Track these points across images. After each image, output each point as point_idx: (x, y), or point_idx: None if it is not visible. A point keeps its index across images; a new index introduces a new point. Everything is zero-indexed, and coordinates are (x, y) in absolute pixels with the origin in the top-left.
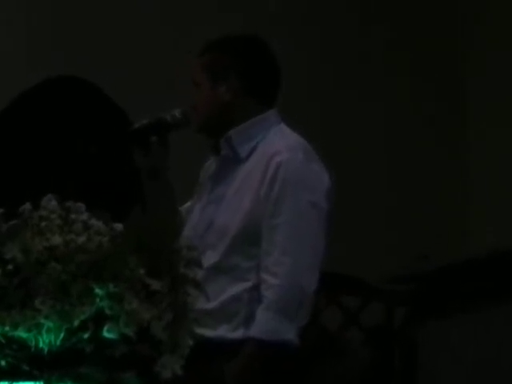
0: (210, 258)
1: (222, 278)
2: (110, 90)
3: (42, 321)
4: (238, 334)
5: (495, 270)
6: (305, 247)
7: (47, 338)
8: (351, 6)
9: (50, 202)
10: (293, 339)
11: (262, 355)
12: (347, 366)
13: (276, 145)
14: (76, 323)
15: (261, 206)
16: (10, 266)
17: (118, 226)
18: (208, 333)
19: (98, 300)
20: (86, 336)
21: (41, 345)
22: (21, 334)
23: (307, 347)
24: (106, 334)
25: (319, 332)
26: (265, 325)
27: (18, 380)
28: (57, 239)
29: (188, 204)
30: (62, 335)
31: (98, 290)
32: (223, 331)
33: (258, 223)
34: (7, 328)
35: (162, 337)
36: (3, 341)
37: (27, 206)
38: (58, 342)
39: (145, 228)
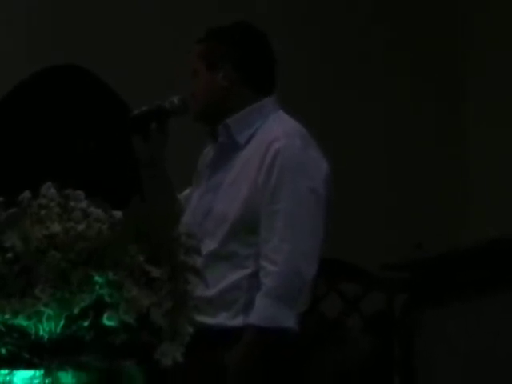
0: (208, 245)
1: (220, 265)
2: (114, 87)
3: (42, 309)
4: (238, 321)
5: (492, 260)
6: (304, 234)
7: (47, 326)
8: (351, 6)
9: (49, 190)
10: (292, 326)
11: (261, 342)
12: (347, 353)
13: (274, 131)
14: (76, 311)
15: (259, 193)
16: (9, 254)
17: (118, 214)
18: (208, 320)
19: (97, 287)
20: (85, 324)
21: (41, 332)
22: (21, 321)
23: (307, 335)
24: (106, 321)
25: (319, 319)
26: (263, 312)
27: (18, 368)
28: (56, 227)
29: (187, 191)
30: (61, 323)
31: (97, 278)
32: (223, 319)
33: (255, 211)
34: (7, 316)
35: (162, 324)
36: (3, 329)
37: (26, 194)
38: (58, 330)
39: (144, 215)
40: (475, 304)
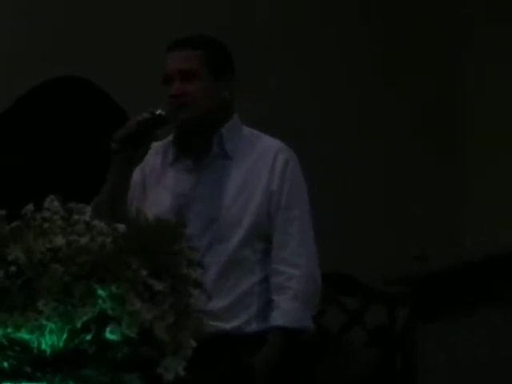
0: (219, 252)
1: (233, 273)
2: (112, 91)
3: (45, 322)
4: (252, 327)
5: (493, 273)
6: (313, 240)
7: (50, 340)
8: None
9: (53, 203)
10: (312, 327)
11: (290, 343)
12: (349, 366)
13: (273, 143)
14: (78, 324)
15: (271, 199)
16: (12, 268)
17: (121, 227)
18: (224, 326)
19: (100, 301)
20: (88, 337)
21: (43, 346)
22: (23, 335)
23: (310, 348)
24: (109, 335)
25: (321, 333)
26: (293, 314)
27: (20, 382)
28: (59, 240)
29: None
30: (64, 337)
31: (100, 291)
32: (238, 324)
33: (267, 217)
34: (10, 329)
35: (165, 338)
36: (5, 342)
37: (29, 207)
38: (61, 344)
39: (146, 228)
40: (477, 317)
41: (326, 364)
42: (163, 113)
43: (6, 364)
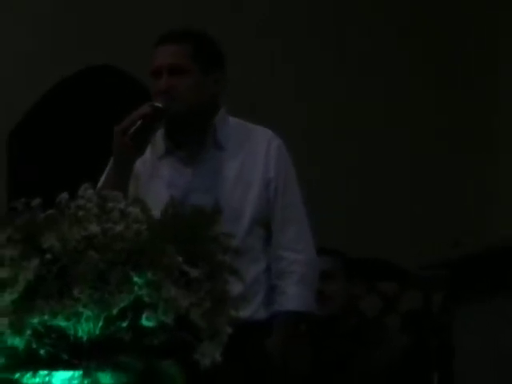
0: None
1: (240, 262)
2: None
3: (81, 309)
4: (261, 314)
5: None
6: (308, 224)
7: (86, 327)
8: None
9: (87, 191)
10: (316, 309)
11: (300, 325)
12: (386, 351)
13: (263, 131)
14: (114, 311)
15: (269, 186)
16: (48, 256)
17: (156, 214)
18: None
19: (136, 288)
20: (124, 324)
21: (80, 333)
22: (60, 322)
23: (347, 333)
24: (145, 322)
25: (358, 318)
26: (301, 298)
27: (57, 369)
28: (94, 228)
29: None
30: (100, 324)
31: (136, 278)
32: (248, 312)
33: (266, 203)
34: (46, 317)
35: (201, 324)
36: (42, 330)
37: (64, 195)
38: (97, 331)
39: (182, 215)
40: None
41: (361, 349)
42: (161, 106)
43: (42, 351)
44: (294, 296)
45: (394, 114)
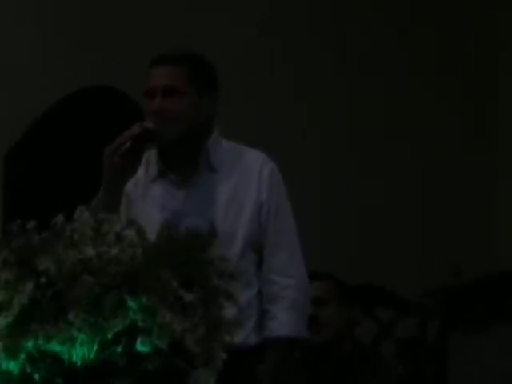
0: None
1: (234, 286)
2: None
3: (76, 334)
4: (252, 339)
5: None
6: (300, 248)
7: (80, 351)
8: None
9: (83, 214)
10: (308, 335)
11: (293, 351)
12: (381, 379)
13: (256, 154)
14: (109, 336)
15: (261, 210)
16: (43, 279)
17: (151, 238)
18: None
19: (131, 313)
20: (119, 349)
21: (74, 358)
22: (54, 347)
23: (342, 360)
24: (139, 347)
25: (353, 345)
26: (293, 324)
27: None
28: (90, 251)
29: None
30: (95, 348)
31: (131, 303)
32: (240, 337)
33: (258, 227)
34: (40, 341)
35: (195, 349)
36: (36, 354)
37: (60, 218)
38: (92, 355)
39: (177, 239)
40: (510, 329)
41: (358, 376)
42: (152, 127)
43: (37, 376)
44: (285, 322)
45: (394, 114)
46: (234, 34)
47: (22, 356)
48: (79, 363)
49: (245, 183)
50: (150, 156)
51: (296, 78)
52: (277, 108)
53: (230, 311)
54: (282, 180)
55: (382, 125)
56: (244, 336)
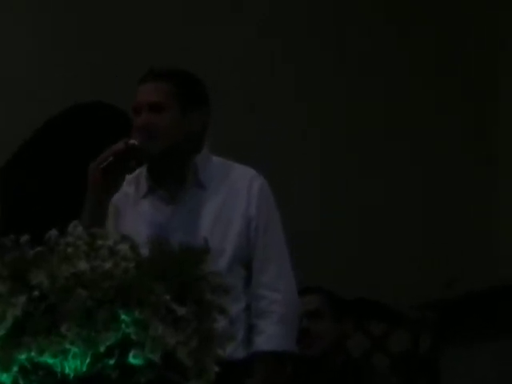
0: None
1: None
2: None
3: (68, 346)
4: (240, 353)
5: None
6: (289, 263)
7: (73, 364)
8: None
9: (76, 229)
10: (296, 350)
11: (282, 366)
12: None
13: (246, 170)
14: (102, 349)
15: (250, 225)
16: (36, 292)
17: (144, 252)
18: None
19: (123, 326)
20: (111, 362)
21: (67, 371)
22: (47, 359)
23: (335, 373)
24: (132, 360)
25: (345, 357)
26: (281, 338)
27: None
28: (83, 265)
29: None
30: (87, 361)
31: (123, 316)
32: (228, 351)
33: (246, 242)
34: (33, 353)
35: (188, 362)
36: (29, 367)
37: (53, 232)
38: (84, 368)
39: (170, 253)
40: (502, 343)
41: None
42: (136, 143)
43: None
44: (272, 336)
45: (394, 114)
46: (234, 34)
47: (15, 368)
48: (72, 375)
49: (233, 198)
50: (141, 173)
51: (296, 78)
52: (277, 108)
53: (220, 324)
54: (272, 194)
55: (382, 125)
56: (232, 350)
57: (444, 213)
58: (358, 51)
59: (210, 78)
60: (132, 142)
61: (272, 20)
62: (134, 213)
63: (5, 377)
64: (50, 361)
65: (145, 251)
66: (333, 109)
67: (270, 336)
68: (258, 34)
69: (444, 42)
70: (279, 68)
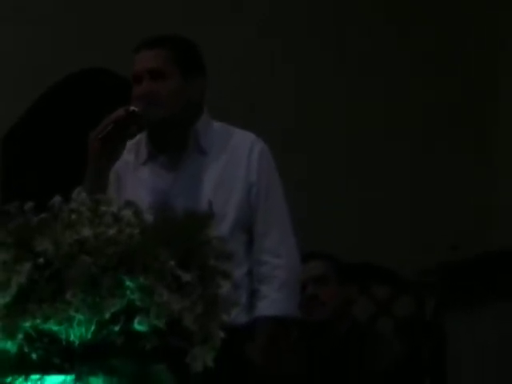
0: None
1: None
2: None
3: (73, 314)
4: (242, 318)
5: None
6: (291, 228)
7: (78, 331)
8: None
9: (80, 195)
10: (298, 314)
11: (284, 330)
12: (379, 356)
13: (246, 135)
14: (107, 316)
15: (251, 190)
16: (40, 259)
17: (149, 218)
18: None
19: (128, 292)
20: (116, 328)
21: (72, 338)
22: (52, 326)
23: (340, 338)
24: (137, 326)
25: (351, 322)
26: (283, 303)
27: (49, 373)
28: (87, 232)
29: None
30: (92, 328)
31: (128, 283)
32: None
33: (248, 208)
34: (38, 321)
35: (193, 328)
36: (34, 334)
37: (57, 199)
38: (89, 335)
39: (174, 219)
40: (506, 307)
41: (353, 354)
42: (137, 110)
43: (34, 355)
44: (275, 301)
45: (394, 114)
46: (234, 34)
47: (20, 336)
48: (77, 343)
49: (234, 164)
50: (141, 140)
51: (296, 78)
52: (277, 108)
53: (224, 289)
54: (273, 160)
55: (381, 125)
56: (234, 315)
57: (444, 213)
58: (357, 51)
59: (210, 77)
60: (133, 108)
61: (272, 20)
62: (135, 179)
63: (10, 344)
64: (55, 328)
65: (148, 217)
66: (333, 109)
67: (273, 301)
68: (258, 34)
69: (444, 42)
70: (279, 68)
